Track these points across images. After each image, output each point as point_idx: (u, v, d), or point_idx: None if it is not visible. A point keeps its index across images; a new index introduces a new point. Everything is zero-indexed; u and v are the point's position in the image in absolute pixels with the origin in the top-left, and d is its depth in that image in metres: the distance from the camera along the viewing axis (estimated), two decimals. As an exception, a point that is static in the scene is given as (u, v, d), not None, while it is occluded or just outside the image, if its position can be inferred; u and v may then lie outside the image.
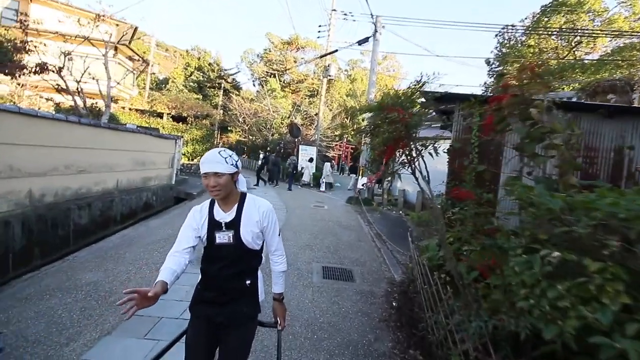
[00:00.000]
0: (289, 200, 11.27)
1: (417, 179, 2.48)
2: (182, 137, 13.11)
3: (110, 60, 15.48)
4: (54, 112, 6.32)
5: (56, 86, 7.52)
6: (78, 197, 5.75)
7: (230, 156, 1.60)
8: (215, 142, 18.13)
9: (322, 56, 17.52)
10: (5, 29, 9.75)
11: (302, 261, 5.16)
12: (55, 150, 5.16)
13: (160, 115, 15.95)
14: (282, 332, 1.82)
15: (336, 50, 14.02)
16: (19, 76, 7.54)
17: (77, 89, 7.79)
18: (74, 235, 5.59)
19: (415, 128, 2.27)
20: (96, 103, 8.43)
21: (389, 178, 2.53)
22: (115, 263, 4.62)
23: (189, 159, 15.96)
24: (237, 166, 1.62)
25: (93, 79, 8.06)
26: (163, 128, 15.23)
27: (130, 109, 15.31)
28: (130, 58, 16.77)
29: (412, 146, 2.33)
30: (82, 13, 8.49)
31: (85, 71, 7.95)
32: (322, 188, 15.47)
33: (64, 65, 7.53)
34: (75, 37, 8.00)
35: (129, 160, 7.39)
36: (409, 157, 2.42)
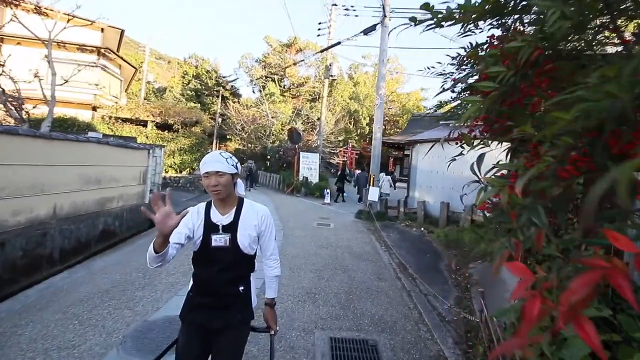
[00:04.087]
0: (287, 217, 9.51)
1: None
2: (163, 146, 11.47)
3: (94, 66, 14.07)
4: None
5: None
6: (-21, 234, 4.05)
7: (230, 157, 1.62)
8: (205, 151, 16.47)
9: (323, 50, 15.95)
10: None
11: (300, 328, 3.37)
12: None
13: (144, 124, 14.37)
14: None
15: (339, 43, 12.36)
16: None
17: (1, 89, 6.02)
18: (-30, 292, 3.87)
19: None
20: (23, 107, 6.58)
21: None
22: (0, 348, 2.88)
23: (176, 171, 14.30)
24: (237, 168, 1.64)
25: (35, 76, 6.42)
26: (147, 137, 13.62)
27: (110, 118, 13.74)
28: (112, 61, 15.31)
29: None
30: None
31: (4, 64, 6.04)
32: (327, 200, 13.70)
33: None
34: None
35: (75, 177, 5.70)
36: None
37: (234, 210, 1.65)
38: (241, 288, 1.67)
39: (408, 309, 4.02)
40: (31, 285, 4.38)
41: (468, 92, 1.01)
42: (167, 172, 13.76)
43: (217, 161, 1.57)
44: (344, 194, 14.88)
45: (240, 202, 1.69)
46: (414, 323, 3.65)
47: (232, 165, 1.60)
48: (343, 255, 6.14)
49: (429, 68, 1.48)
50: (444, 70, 1.28)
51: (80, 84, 12.64)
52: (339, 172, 14.98)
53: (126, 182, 7.29)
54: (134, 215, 7.67)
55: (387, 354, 3.05)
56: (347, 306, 3.94)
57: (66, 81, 7.02)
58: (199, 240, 1.61)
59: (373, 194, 10.49)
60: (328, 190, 14.21)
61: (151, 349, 2.92)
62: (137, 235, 7.40)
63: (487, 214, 0.80)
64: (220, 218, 1.63)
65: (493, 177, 0.76)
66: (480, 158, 0.77)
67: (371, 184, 10.85)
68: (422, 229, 8.90)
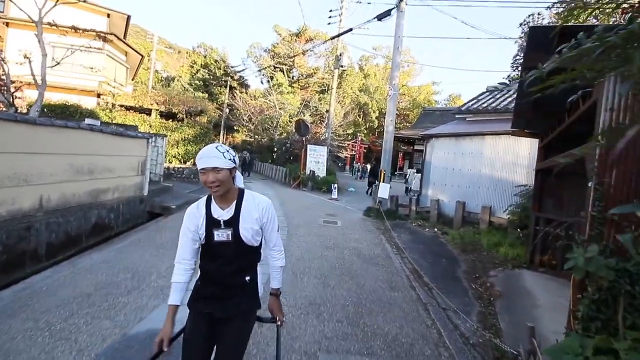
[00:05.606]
0: (292, 214, 9.05)
1: None
2: (165, 136, 11.08)
3: (97, 52, 13.68)
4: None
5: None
6: (-51, 229, 3.67)
7: (227, 151, 1.56)
8: (210, 142, 16.08)
9: (334, 37, 15.30)
10: None
11: (301, 350, 2.89)
12: None
13: (148, 112, 13.98)
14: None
15: (350, 30, 11.70)
16: None
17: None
18: (-63, 292, 3.50)
19: None
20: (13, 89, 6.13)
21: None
22: (-52, 368, 2.48)
23: (180, 162, 13.93)
24: (234, 161, 1.59)
25: (25, 57, 6.01)
26: (150, 126, 13.24)
27: (113, 105, 13.38)
28: (118, 47, 14.90)
29: None
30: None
31: None
32: (334, 195, 13.20)
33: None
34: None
35: (65, 166, 5.30)
36: None
37: (234, 204, 1.61)
38: (247, 278, 1.66)
39: (426, 326, 3.53)
40: (9, 284, 4.00)
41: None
42: (170, 162, 13.40)
43: (214, 156, 1.50)
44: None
45: (240, 195, 1.65)
46: (433, 346, 3.16)
47: (230, 159, 1.54)
48: (351, 258, 5.65)
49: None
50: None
51: (84, 70, 12.29)
52: (372, 167, 16.32)
53: (122, 172, 6.89)
54: (131, 207, 7.30)
55: (403, 387, 2.57)
56: (356, 322, 3.47)
57: (58, 63, 6.61)
58: (203, 236, 1.62)
59: (383, 191, 9.95)
60: (336, 185, 13.71)
61: (126, 373, 2.49)
62: (134, 229, 7.02)
63: None
64: (221, 213, 1.60)
65: None
66: None
67: (382, 179, 10.30)
68: (436, 229, 8.37)
